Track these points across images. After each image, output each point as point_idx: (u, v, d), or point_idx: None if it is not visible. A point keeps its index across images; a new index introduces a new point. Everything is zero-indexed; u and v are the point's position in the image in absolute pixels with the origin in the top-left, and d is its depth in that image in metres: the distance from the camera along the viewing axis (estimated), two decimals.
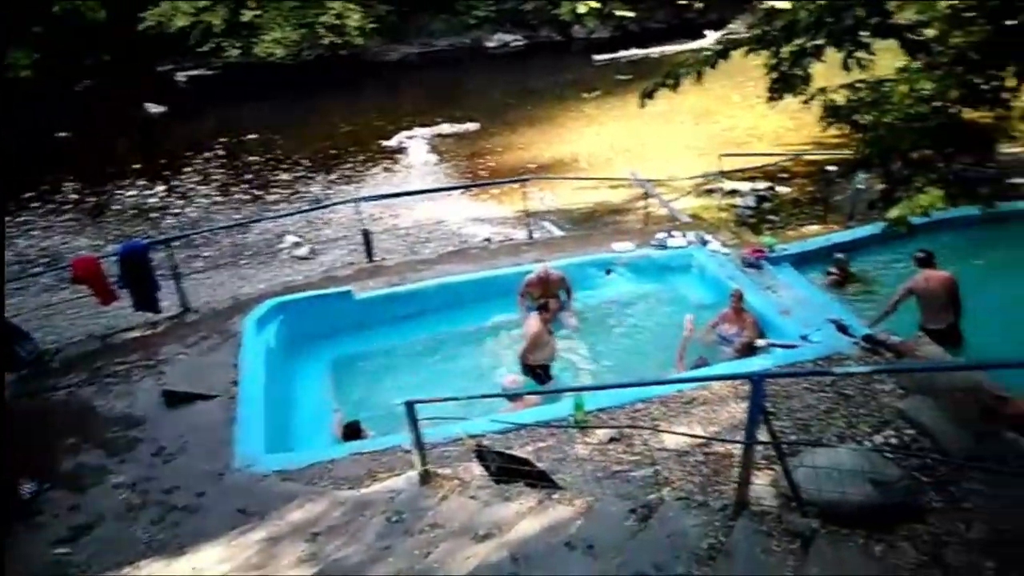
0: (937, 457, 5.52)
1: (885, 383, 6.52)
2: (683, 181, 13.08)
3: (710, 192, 13.01)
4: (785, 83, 5.48)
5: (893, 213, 5.03)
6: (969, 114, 5.74)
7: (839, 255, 9.28)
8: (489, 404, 7.21)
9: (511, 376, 7.75)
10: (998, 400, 5.74)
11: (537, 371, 7.92)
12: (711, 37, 24.26)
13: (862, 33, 5.27)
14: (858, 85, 5.40)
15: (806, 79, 5.42)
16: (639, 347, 8.68)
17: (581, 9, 28.00)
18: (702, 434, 5.98)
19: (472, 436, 6.31)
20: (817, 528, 4.27)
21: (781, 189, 14.18)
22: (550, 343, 7.98)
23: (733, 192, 13.54)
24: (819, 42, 5.11)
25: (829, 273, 9.31)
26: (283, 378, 8.10)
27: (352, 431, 7.05)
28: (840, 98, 5.62)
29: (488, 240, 13.07)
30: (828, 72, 6.75)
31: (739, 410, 6.16)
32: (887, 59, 6.91)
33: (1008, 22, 4.25)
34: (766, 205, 13.09)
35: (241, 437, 6.71)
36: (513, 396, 7.40)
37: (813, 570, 3.83)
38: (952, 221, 8.90)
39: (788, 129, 16.98)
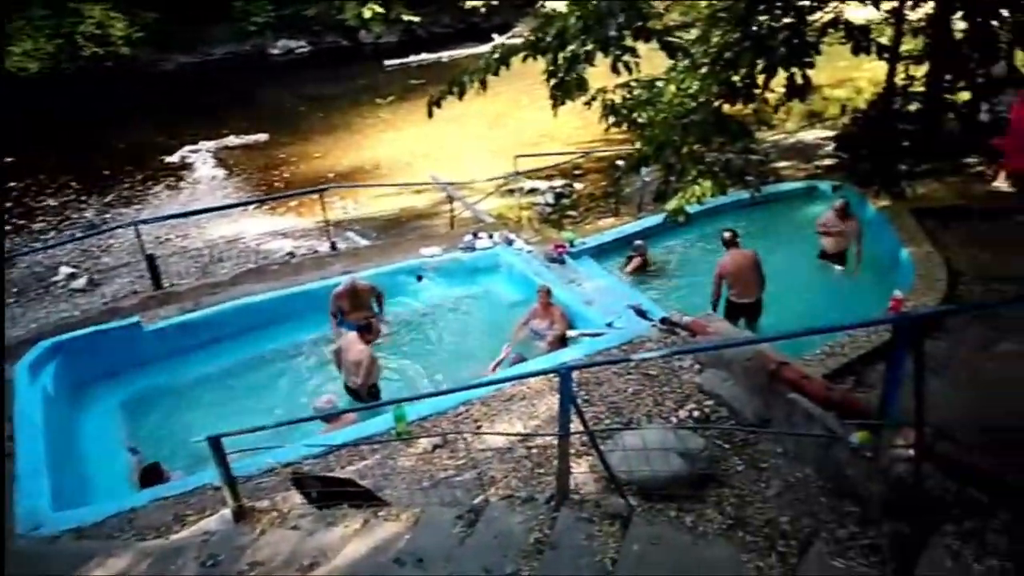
0: (734, 424, 5.99)
1: (684, 360, 6.96)
2: (484, 183, 13.30)
3: (511, 192, 13.34)
4: (563, 89, 5.66)
5: (671, 204, 5.40)
6: (731, 108, 6.33)
7: (638, 242, 9.89)
8: (307, 428, 6.88)
9: (326, 396, 7.43)
10: (780, 365, 6.32)
11: (372, 392, 7.67)
12: (498, 40, 24.90)
13: (626, 38, 5.54)
14: (632, 85, 5.72)
15: (582, 84, 5.64)
16: (458, 350, 8.71)
17: (366, 13, 27.58)
18: (522, 431, 6.09)
19: (286, 464, 5.97)
20: (635, 507, 4.45)
21: (577, 185, 14.87)
22: (376, 362, 7.76)
23: (533, 191, 14.01)
24: (589, 48, 5.34)
25: (630, 259, 9.88)
26: (67, 426, 7.24)
27: (152, 474, 6.42)
28: (618, 98, 5.92)
29: (291, 255, 12.53)
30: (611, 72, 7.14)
31: (556, 402, 6.33)
32: (663, 60, 7.44)
33: (753, 27, 4.71)
34: (565, 201, 13.67)
35: (21, 499, 5.90)
36: (329, 416, 7.10)
37: (633, 548, 3.98)
38: (729, 205, 9.87)
39: (578, 128, 17.80)
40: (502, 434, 5.82)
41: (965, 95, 5.19)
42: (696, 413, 6.32)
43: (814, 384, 5.85)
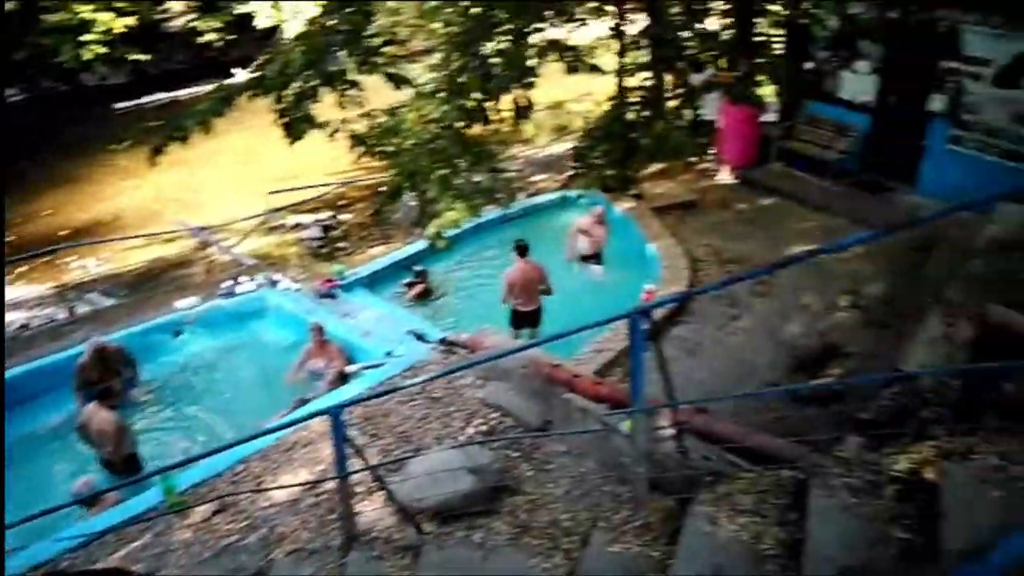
0: (520, 432, 6.15)
1: (466, 377, 7.04)
2: (242, 223, 12.62)
3: (275, 229, 12.78)
4: (292, 126, 5.49)
5: (429, 231, 5.47)
6: (476, 131, 6.53)
7: (417, 267, 9.87)
8: (66, 518, 6.05)
9: (83, 479, 6.58)
10: (554, 368, 6.62)
11: (130, 463, 6.89)
12: (241, 75, 23.85)
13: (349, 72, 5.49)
14: (374, 114, 5.70)
15: (310, 120, 5.49)
16: (230, 405, 8.12)
17: (87, 55, 25.05)
18: (308, 478, 5.81)
19: (38, 566, 5.22)
20: (427, 534, 4.40)
21: (345, 216, 14.58)
22: (126, 428, 6.99)
23: (298, 226, 13.52)
24: (314, 84, 5.24)
25: (411, 285, 9.84)
26: None
27: None
28: (363, 128, 5.87)
29: (24, 327, 11.01)
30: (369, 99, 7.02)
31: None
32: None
33: (477, 53, 4.88)
34: (334, 233, 13.35)
35: None
36: (88, 500, 6.30)
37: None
38: (494, 220, 10.22)
39: (338, 157, 17.46)
40: (284, 487, 5.51)
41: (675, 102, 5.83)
42: (483, 427, 6.41)
43: (584, 381, 6.18)
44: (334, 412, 3.74)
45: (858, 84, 10.86)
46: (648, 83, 5.05)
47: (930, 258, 8.39)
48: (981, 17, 9.20)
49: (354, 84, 5.25)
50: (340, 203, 15.03)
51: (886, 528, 2.70)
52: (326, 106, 6.74)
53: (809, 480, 3.09)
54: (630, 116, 4.75)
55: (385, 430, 6.50)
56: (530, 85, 4.56)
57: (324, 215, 14.00)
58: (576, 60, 4.53)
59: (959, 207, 2.73)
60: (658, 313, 8.31)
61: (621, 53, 6.87)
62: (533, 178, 13.58)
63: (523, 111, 4.54)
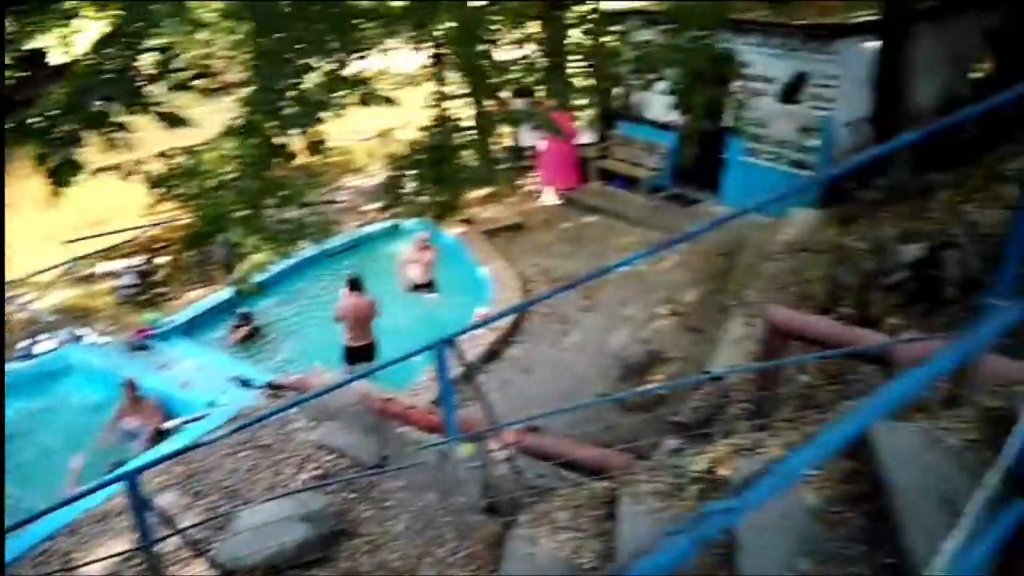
0: (356, 472, 5.96)
1: (297, 421, 6.74)
2: (43, 276, 11.52)
3: (84, 279, 11.76)
4: (57, 173, 5.02)
5: (234, 276, 5.20)
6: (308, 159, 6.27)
7: (242, 309, 9.37)
8: None
9: None
10: (386, 402, 6.48)
11: None
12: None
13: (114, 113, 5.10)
14: (170, 153, 5.34)
15: (76, 165, 5.04)
16: (31, 476, 7.31)
17: None
18: (128, 546, 5.32)
19: None
20: None
21: (162, 259, 13.66)
22: None
23: (110, 274, 12.51)
24: (75, 127, 4.83)
25: (235, 328, 9.33)
26: None
27: None
28: (160, 169, 5.48)
29: None
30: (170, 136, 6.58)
31: (169, 499, 5.75)
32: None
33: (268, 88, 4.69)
34: (153, 278, 12.46)
35: None
36: None
37: None
38: (322, 253, 9.98)
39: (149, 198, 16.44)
40: (90, 562, 5.02)
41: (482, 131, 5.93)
42: (317, 471, 6.16)
43: (417, 413, 6.10)
44: (130, 478, 3.42)
45: (662, 104, 11.59)
46: (452, 112, 5.09)
47: (734, 263, 9.06)
48: (762, 39, 10.12)
49: (121, 127, 4.88)
50: (156, 246, 14.07)
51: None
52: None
53: (618, 489, 3.19)
54: (436, 145, 4.76)
55: (209, 487, 6.09)
56: (319, 121, 4.45)
57: (138, 260, 13.05)
58: (369, 93, 4.48)
59: (731, 216, 2.94)
60: (491, 336, 8.47)
61: (439, 80, 6.93)
62: (365, 207, 13.39)
63: (316, 146, 4.40)
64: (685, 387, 6.03)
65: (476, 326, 3.70)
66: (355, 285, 8.05)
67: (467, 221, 11.49)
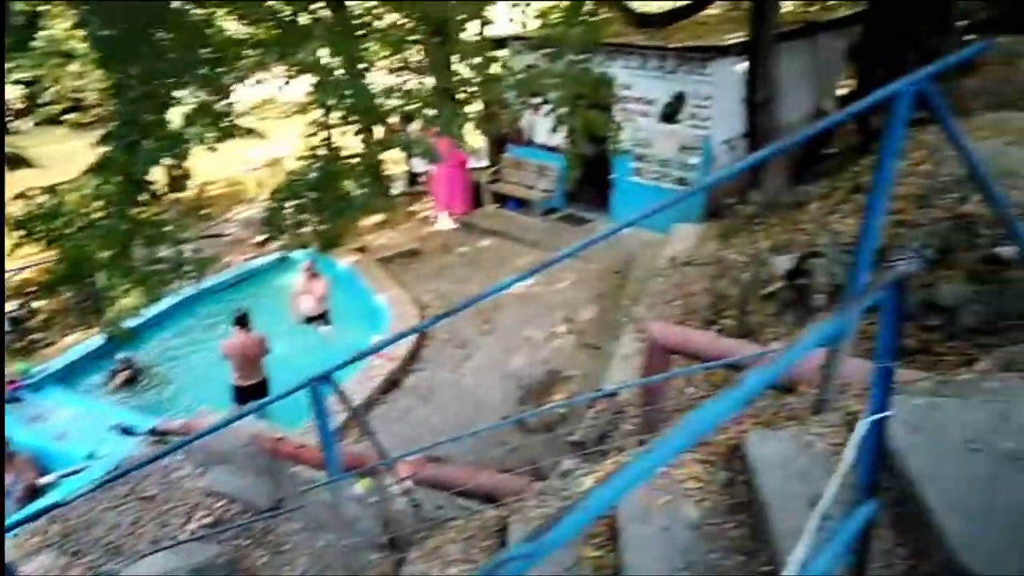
0: (249, 517, 5.71)
1: (184, 468, 6.42)
2: None
3: None
4: None
5: (104, 321, 4.91)
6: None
7: (121, 355, 8.86)
8: None
9: None
10: (277, 442, 6.26)
11: None
12: None
13: None
14: (30, 193, 4.96)
15: None
16: None
17: None
18: None
19: None
20: None
21: (40, 303, 12.80)
22: None
23: None
24: None
25: (114, 373, 8.83)
26: None
27: None
28: (18, 210, 5.10)
29: None
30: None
31: (44, 561, 5.35)
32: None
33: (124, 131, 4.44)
34: (28, 325, 11.65)
35: None
36: None
37: None
38: (209, 289, 9.60)
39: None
40: None
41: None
42: (208, 520, 5.87)
43: (309, 451, 5.91)
44: None
45: (550, 127, 11.81)
46: (335, 140, 5.00)
47: (626, 279, 9.28)
48: (641, 62, 10.48)
49: None
50: (30, 289, 13.19)
51: (577, 549, 2.82)
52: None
53: (509, 516, 3.16)
54: (317, 174, 4.65)
55: (89, 544, 5.71)
56: (181, 157, 4.26)
57: (11, 306, 12.18)
58: (231, 126, 4.34)
59: (611, 232, 3.00)
60: (390, 365, 8.34)
61: (326, 110, 6.80)
62: (256, 238, 12.99)
63: (178, 183, 4.21)
64: (579, 405, 6.09)
65: (354, 359, 3.57)
66: (242, 321, 7.75)
67: (361, 249, 11.34)
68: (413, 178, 14.06)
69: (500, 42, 11.60)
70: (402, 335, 4.78)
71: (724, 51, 9.60)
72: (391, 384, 8.28)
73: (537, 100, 7.61)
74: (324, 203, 4.70)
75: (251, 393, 7.96)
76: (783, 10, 13.74)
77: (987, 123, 6.57)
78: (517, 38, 10.36)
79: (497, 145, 12.91)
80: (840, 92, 12.51)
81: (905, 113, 2.56)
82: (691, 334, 4.14)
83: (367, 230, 12.57)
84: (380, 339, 8.59)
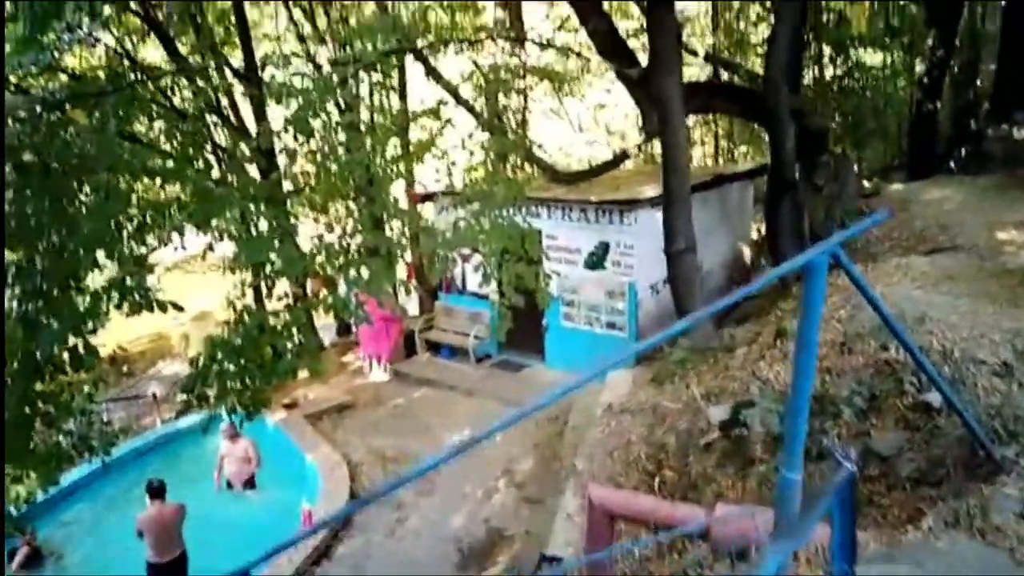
0: None
1: None
2: None
3: None
4: None
5: None
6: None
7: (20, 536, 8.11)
8: None
9: None
10: None
11: None
12: None
13: None
14: None
15: None
16: None
17: None
18: None
19: None
20: None
21: None
22: None
23: None
24: None
25: (15, 552, 8.06)
26: None
27: None
28: None
29: None
30: None
31: None
32: None
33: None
34: None
35: None
36: None
37: None
38: (129, 453, 9.03)
39: None
40: None
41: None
42: None
43: None
44: None
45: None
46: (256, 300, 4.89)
47: (565, 427, 9.14)
48: (565, 213, 10.89)
49: None
50: None
51: None
52: None
53: None
54: (238, 341, 4.50)
55: None
56: (92, 331, 4.07)
57: None
58: (144, 299, 4.20)
59: (571, 388, 2.92)
60: (320, 534, 7.82)
61: (253, 271, 6.71)
62: (181, 396, 12.41)
63: (79, 361, 3.96)
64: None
65: (275, 551, 3.22)
66: (156, 492, 7.22)
67: (291, 405, 10.95)
68: (345, 327, 13.89)
69: (428, 197, 11.96)
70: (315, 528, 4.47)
71: (642, 203, 10.07)
72: (321, 555, 7.73)
73: (466, 251, 7.76)
74: (247, 368, 4.52)
75: (168, 571, 7.31)
76: (696, 163, 14.72)
77: (894, 268, 6.98)
78: (445, 193, 10.66)
79: (429, 293, 12.97)
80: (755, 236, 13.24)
81: (822, 281, 2.65)
82: (633, 497, 4.01)
83: (298, 384, 12.21)
84: (311, 507, 8.17)
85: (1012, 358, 4.28)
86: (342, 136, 6.32)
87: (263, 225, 4.52)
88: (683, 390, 6.97)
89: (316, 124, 5.42)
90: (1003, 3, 14.06)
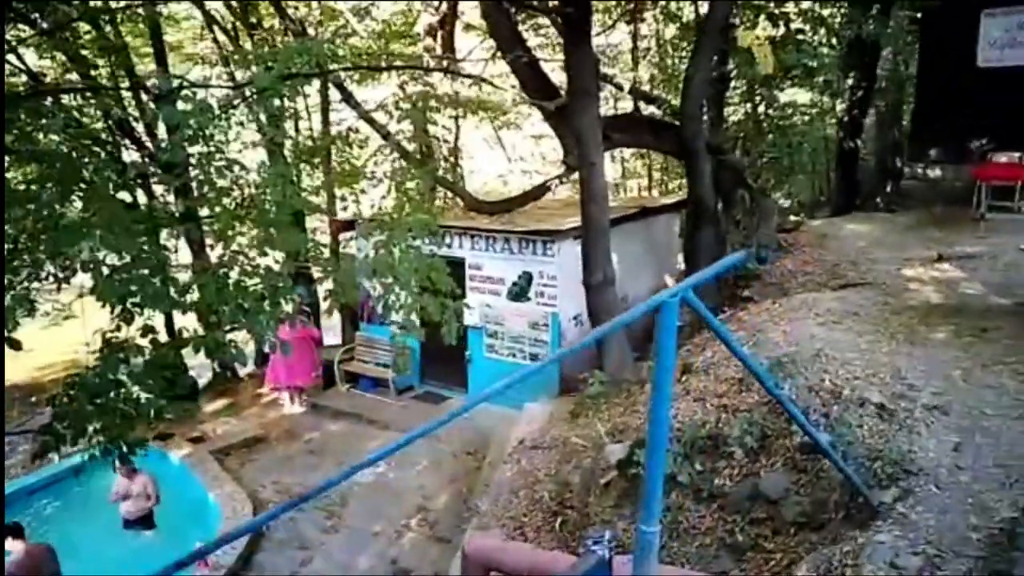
0: None
1: None
2: None
3: None
4: None
5: None
6: None
7: None
8: None
9: None
10: None
11: None
12: None
13: None
14: None
15: None
16: None
17: None
18: None
19: None
20: None
21: None
22: None
23: None
24: None
25: None
26: None
27: None
28: None
29: None
30: None
31: None
32: None
33: None
34: None
35: None
36: None
37: None
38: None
39: None
40: None
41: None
42: None
43: None
44: None
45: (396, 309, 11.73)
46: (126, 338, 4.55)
47: (481, 461, 8.92)
48: (488, 244, 10.75)
49: None
50: None
51: None
52: None
53: None
54: (97, 382, 4.17)
55: None
56: None
57: None
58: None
59: (459, 412, 2.71)
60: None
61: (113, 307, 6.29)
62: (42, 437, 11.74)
63: None
64: None
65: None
66: (15, 533, 6.70)
67: (198, 439, 10.45)
68: (264, 357, 13.41)
69: (350, 224, 11.71)
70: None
71: (564, 233, 10.01)
72: None
73: (385, 281, 7.53)
74: (105, 409, 4.19)
75: None
76: (630, 195, 14.78)
77: (800, 304, 7.01)
78: (370, 221, 10.42)
79: (351, 323, 12.64)
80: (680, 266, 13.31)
81: (672, 322, 2.56)
82: (505, 548, 3.82)
83: (207, 417, 11.71)
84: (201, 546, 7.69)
85: (896, 399, 4.24)
86: (251, 162, 6.05)
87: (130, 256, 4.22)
88: (593, 425, 6.83)
89: (195, 149, 5.16)
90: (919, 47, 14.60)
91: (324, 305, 12.87)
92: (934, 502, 3.37)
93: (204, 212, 6.53)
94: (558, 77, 10.92)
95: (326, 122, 12.38)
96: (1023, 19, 6.49)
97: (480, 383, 11.16)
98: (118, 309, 4.28)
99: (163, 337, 6.17)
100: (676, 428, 5.24)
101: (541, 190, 10.27)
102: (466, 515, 7.64)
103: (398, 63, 10.46)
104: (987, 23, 6.62)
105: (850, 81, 14.36)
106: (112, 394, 4.18)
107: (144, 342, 4.31)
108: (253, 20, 13.33)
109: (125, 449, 4.93)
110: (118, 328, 4.64)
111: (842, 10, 14.23)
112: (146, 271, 4.13)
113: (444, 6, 13.34)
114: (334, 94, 11.98)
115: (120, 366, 4.22)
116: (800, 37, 13.24)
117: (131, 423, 4.38)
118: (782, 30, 11.60)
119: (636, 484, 5.00)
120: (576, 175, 9.40)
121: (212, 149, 5.38)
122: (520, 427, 8.23)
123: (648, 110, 12.54)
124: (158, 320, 7.90)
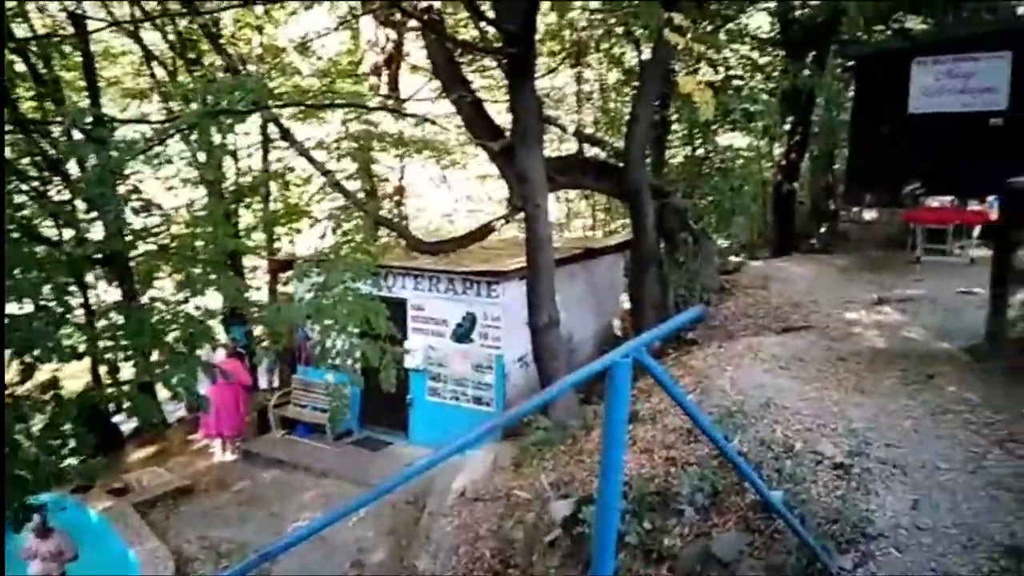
0: None
1: None
2: None
3: None
4: None
5: None
6: None
7: None
8: None
9: None
10: None
11: None
12: None
13: None
14: None
15: None
16: None
17: None
18: None
19: None
20: None
21: None
22: None
23: None
24: None
25: None
26: None
27: None
28: None
29: None
30: None
31: None
32: None
33: None
34: None
35: None
36: None
37: None
38: None
39: None
40: None
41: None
42: None
43: None
44: None
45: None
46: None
47: (421, 512, 8.53)
48: (432, 284, 10.51)
49: None
50: None
51: None
52: None
53: None
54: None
55: None
56: None
57: None
58: None
59: (419, 471, 2.43)
60: None
61: None
62: None
63: None
64: None
65: None
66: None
67: (120, 491, 9.79)
68: (197, 401, 12.76)
69: (288, 264, 11.33)
70: None
71: (509, 274, 9.83)
72: None
73: (326, 322, 7.21)
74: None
75: None
76: (574, 235, 14.71)
77: (745, 349, 6.94)
78: (306, 260, 10.08)
79: (288, 365, 12.16)
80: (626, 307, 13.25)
81: (624, 384, 2.39)
82: None
83: (133, 466, 11.05)
84: None
85: (851, 455, 4.12)
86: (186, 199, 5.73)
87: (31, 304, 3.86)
88: (537, 476, 6.57)
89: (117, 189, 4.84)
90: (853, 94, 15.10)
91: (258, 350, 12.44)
92: (896, 567, 3.22)
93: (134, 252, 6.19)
94: (503, 119, 10.85)
95: (266, 159, 12.03)
96: (952, 67, 6.64)
97: (422, 427, 10.81)
98: (15, 363, 3.90)
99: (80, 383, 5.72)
100: (624, 483, 5.03)
101: (485, 230, 10.09)
102: (403, 574, 7.24)
103: (339, 101, 10.20)
104: (917, 71, 6.77)
105: (787, 126, 14.72)
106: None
107: (46, 397, 3.93)
108: (192, 56, 12.99)
109: (18, 516, 4.48)
110: (21, 382, 4.24)
111: (778, 57, 14.64)
112: (46, 323, 3.77)
113: (390, 46, 13.21)
114: (276, 131, 11.71)
115: (15, 425, 3.82)
116: (739, 83, 13.56)
117: (24, 489, 3.96)
118: (722, 75, 11.81)
119: (582, 543, 4.76)
120: (521, 215, 9.27)
121: (130, 188, 5.06)
122: (461, 475, 7.89)
123: (592, 152, 12.55)
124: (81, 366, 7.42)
